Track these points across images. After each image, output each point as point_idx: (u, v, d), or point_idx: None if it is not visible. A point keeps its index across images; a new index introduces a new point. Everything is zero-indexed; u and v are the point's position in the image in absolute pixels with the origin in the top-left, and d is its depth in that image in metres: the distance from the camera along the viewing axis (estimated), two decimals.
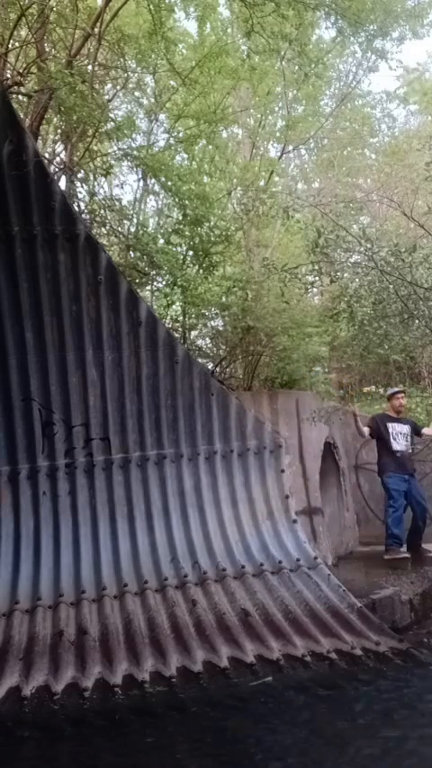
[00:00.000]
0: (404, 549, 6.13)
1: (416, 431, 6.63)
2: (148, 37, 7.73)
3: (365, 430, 6.51)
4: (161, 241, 8.08)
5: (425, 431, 6.72)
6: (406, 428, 6.50)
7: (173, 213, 9.21)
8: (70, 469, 5.36)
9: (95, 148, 7.88)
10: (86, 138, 7.44)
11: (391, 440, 6.37)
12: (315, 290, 11.81)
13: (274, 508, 5.47)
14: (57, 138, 8.81)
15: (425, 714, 3.59)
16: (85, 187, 7.95)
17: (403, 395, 6.74)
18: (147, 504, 5.39)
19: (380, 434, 6.48)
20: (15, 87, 6.38)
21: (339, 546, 7.06)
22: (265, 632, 4.48)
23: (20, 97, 6.77)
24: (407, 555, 6.01)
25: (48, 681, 4.05)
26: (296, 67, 9.41)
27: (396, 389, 6.83)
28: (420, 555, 6.25)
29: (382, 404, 10.02)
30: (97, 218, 7.86)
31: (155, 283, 8.43)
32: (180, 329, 8.14)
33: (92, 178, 8.28)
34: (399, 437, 6.40)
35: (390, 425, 6.46)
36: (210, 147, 9.86)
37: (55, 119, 7.70)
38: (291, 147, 11.41)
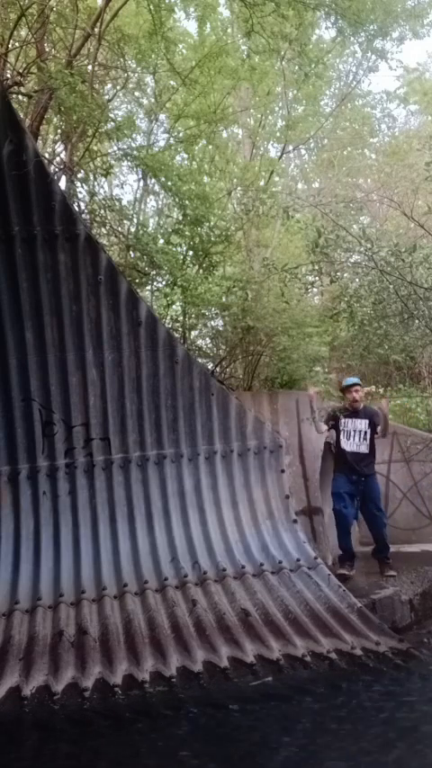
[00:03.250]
0: (351, 565, 5.55)
1: (377, 424, 5.81)
2: (148, 37, 7.73)
3: (323, 427, 5.88)
4: (161, 241, 8.09)
5: (380, 432, 5.84)
6: (362, 424, 5.76)
7: (173, 213, 9.22)
8: (70, 469, 5.36)
9: (95, 148, 7.88)
10: (86, 138, 7.44)
11: (342, 437, 5.78)
12: (315, 290, 11.82)
13: (274, 508, 5.47)
14: (57, 138, 8.82)
15: (425, 714, 3.59)
16: (85, 187, 7.96)
17: (359, 388, 5.90)
18: (147, 504, 5.38)
19: (335, 428, 5.88)
20: (15, 87, 6.38)
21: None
22: (265, 632, 4.47)
23: (20, 97, 6.78)
24: (349, 574, 5.44)
25: (48, 681, 4.05)
26: (296, 67, 9.43)
27: (350, 381, 6.03)
28: (381, 570, 5.63)
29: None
30: (97, 218, 7.87)
31: (155, 283, 8.43)
32: (180, 329, 8.14)
33: (92, 178, 8.29)
34: (353, 435, 5.75)
35: (343, 421, 5.81)
36: (210, 147, 9.87)
37: (55, 119, 7.71)
38: (291, 147, 11.43)
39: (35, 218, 5.12)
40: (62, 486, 5.32)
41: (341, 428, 5.78)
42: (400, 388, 10.96)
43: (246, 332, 7.53)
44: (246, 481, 5.65)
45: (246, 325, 7.35)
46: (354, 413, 5.79)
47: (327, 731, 3.40)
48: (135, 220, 8.98)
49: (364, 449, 5.73)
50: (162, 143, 9.43)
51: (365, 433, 5.73)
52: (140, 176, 9.51)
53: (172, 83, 9.05)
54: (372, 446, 5.77)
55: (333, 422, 5.86)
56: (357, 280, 6.21)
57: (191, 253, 8.15)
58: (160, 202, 10.58)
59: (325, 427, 5.88)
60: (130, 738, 3.44)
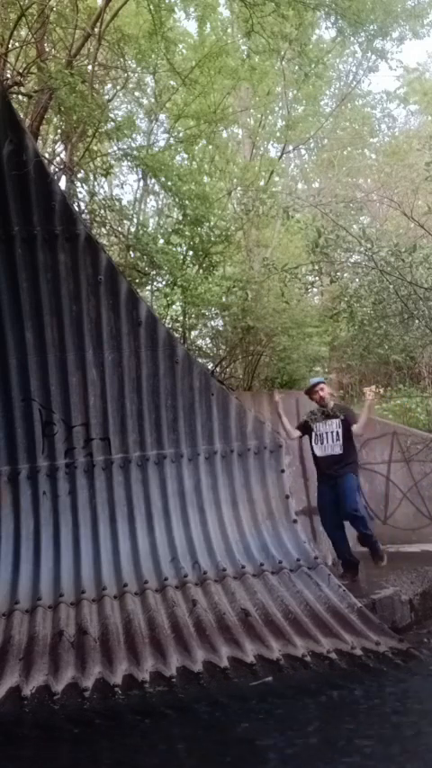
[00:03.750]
0: (354, 574, 5.45)
1: (350, 422, 5.48)
2: (148, 37, 7.74)
3: (294, 433, 5.62)
4: (161, 241, 8.10)
5: (355, 428, 5.53)
6: (334, 425, 5.44)
7: (173, 213, 9.23)
8: (70, 469, 5.35)
9: (95, 148, 7.89)
10: (86, 138, 7.45)
11: (313, 443, 5.53)
12: (315, 290, 11.82)
13: (274, 508, 5.46)
14: (57, 138, 8.82)
15: (425, 714, 3.59)
16: (85, 187, 7.97)
17: (324, 386, 5.57)
18: (147, 504, 5.38)
19: (308, 434, 5.64)
20: (15, 87, 6.38)
21: None
22: (265, 632, 4.47)
23: (20, 97, 6.78)
24: (352, 580, 5.36)
25: (48, 681, 4.04)
26: (296, 67, 9.43)
27: (313, 381, 5.73)
28: (377, 560, 5.45)
29: (382, 404, 10.04)
30: (97, 218, 7.88)
31: (155, 283, 8.44)
32: (180, 329, 8.15)
33: (92, 178, 8.30)
34: (325, 438, 5.45)
35: (314, 426, 5.54)
36: (210, 147, 9.88)
37: (55, 119, 7.71)
38: (291, 147, 11.44)
39: (35, 218, 5.12)
40: (62, 486, 5.31)
41: (314, 432, 5.52)
42: (400, 388, 10.97)
43: (246, 332, 7.54)
44: (246, 481, 5.64)
45: (246, 325, 7.36)
46: (324, 415, 5.49)
47: (327, 731, 3.40)
48: (135, 220, 8.99)
49: (337, 450, 5.40)
50: (162, 143, 9.45)
51: (337, 433, 5.41)
52: (140, 176, 9.53)
53: (172, 83, 9.06)
54: (347, 446, 5.43)
55: (304, 429, 5.60)
56: (357, 280, 6.21)
57: (191, 253, 8.17)
58: (160, 202, 10.60)
59: (297, 433, 5.62)
60: (130, 738, 3.44)
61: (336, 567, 5.73)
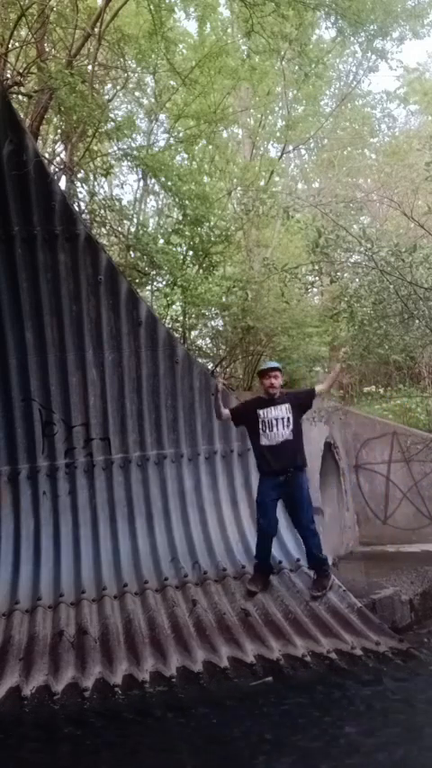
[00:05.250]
0: (262, 582, 4.81)
1: (302, 402, 4.94)
2: (148, 37, 7.74)
3: (224, 411, 4.92)
4: (161, 241, 8.10)
5: (319, 387, 5.13)
6: (283, 410, 4.82)
7: (173, 213, 9.23)
8: (70, 469, 5.36)
9: (95, 148, 7.89)
10: (86, 138, 7.45)
11: (260, 430, 4.81)
12: (315, 290, 11.81)
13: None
14: (57, 138, 8.82)
15: (425, 714, 3.59)
16: (85, 187, 7.97)
17: (277, 374, 4.96)
18: (147, 504, 5.38)
19: (247, 423, 4.96)
20: (15, 87, 6.38)
21: (339, 546, 7.06)
22: (265, 632, 4.47)
23: (20, 97, 6.78)
24: (255, 590, 4.76)
25: (48, 681, 4.05)
26: (296, 67, 9.43)
27: (267, 365, 5.14)
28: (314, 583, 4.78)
29: (382, 404, 10.04)
30: (97, 218, 7.88)
31: (155, 283, 8.44)
32: (180, 329, 8.15)
33: (92, 178, 8.30)
34: (273, 425, 4.79)
35: (260, 411, 4.85)
36: (210, 147, 9.88)
37: (55, 119, 7.71)
38: (291, 147, 11.43)
39: (35, 218, 5.12)
40: (62, 486, 5.32)
41: (259, 420, 4.83)
42: (400, 388, 10.97)
43: (246, 332, 7.55)
44: (246, 481, 5.65)
45: (246, 325, 7.36)
46: (272, 400, 4.87)
47: (327, 731, 3.40)
48: (135, 220, 9.00)
49: (287, 434, 4.77)
50: (162, 143, 9.45)
51: (287, 419, 4.80)
52: (140, 176, 9.53)
53: (172, 83, 9.06)
54: (297, 433, 4.83)
55: (243, 416, 4.98)
56: (357, 280, 6.20)
57: (191, 253, 8.17)
58: (160, 202, 10.60)
59: (226, 412, 4.94)
60: (130, 738, 3.44)
61: (336, 566, 5.72)
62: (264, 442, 4.80)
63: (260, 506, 4.86)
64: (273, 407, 4.83)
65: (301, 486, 4.77)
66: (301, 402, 4.93)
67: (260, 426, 4.82)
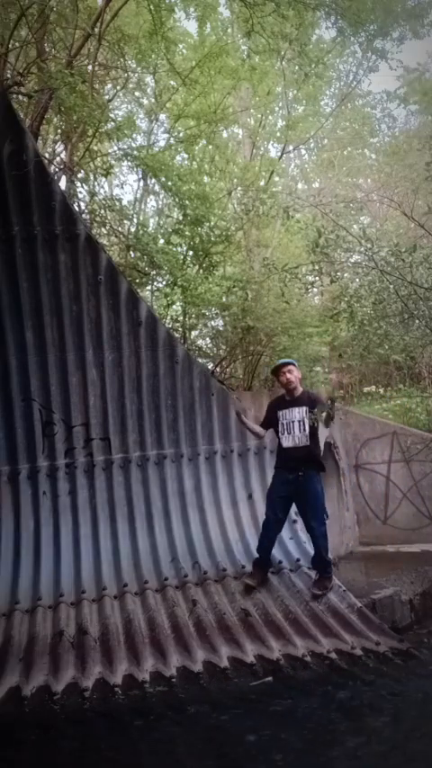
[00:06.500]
0: (259, 577, 4.83)
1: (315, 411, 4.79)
2: (148, 37, 7.74)
3: (259, 430, 5.01)
4: (161, 241, 8.10)
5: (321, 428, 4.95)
6: (300, 413, 4.79)
7: (173, 213, 9.22)
8: (70, 469, 5.36)
9: (95, 148, 7.90)
10: (86, 138, 7.45)
11: (281, 432, 4.87)
12: (315, 290, 11.82)
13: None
14: (57, 138, 8.82)
15: (425, 714, 3.59)
16: (85, 187, 7.97)
17: (293, 368, 4.92)
18: (147, 504, 5.39)
19: (271, 424, 4.99)
20: (15, 87, 6.38)
21: (339, 546, 7.06)
22: (265, 632, 4.47)
23: (20, 97, 6.77)
24: (252, 584, 4.77)
25: (48, 681, 4.05)
26: (296, 67, 9.43)
27: (281, 361, 5.11)
28: (316, 584, 4.78)
29: (382, 404, 10.04)
30: (97, 218, 7.88)
31: (155, 283, 8.44)
32: (180, 329, 8.15)
33: (92, 178, 8.30)
34: (292, 427, 4.80)
35: (280, 413, 4.89)
36: (210, 147, 9.87)
37: (55, 119, 7.71)
38: (291, 147, 11.43)
39: (35, 218, 5.12)
40: (62, 486, 5.32)
41: (279, 421, 4.87)
42: (400, 388, 10.98)
43: (246, 332, 7.54)
44: (246, 481, 5.65)
45: (246, 325, 7.36)
46: (292, 401, 4.88)
47: (327, 731, 3.40)
48: (135, 220, 9.00)
49: (304, 441, 4.76)
50: (162, 143, 9.46)
51: (304, 422, 4.77)
52: (140, 176, 9.54)
53: (172, 83, 9.06)
54: (313, 437, 4.80)
55: (269, 420, 4.99)
56: (357, 280, 6.20)
57: (191, 253, 8.16)
58: (160, 202, 10.60)
59: (262, 430, 5.02)
60: (130, 738, 3.44)
61: (336, 566, 5.72)
62: (284, 443, 4.84)
63: (268, 499, 4.89)
64: (291, 409, 4.84)
65: (314, 488, 4.74)
66: (314, 409, 4.79)
67: (280, 428, 4.86)
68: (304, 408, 4.80)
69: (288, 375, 4.86)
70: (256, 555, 4.95)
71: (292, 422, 4.81)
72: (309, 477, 4.74)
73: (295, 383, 4.88)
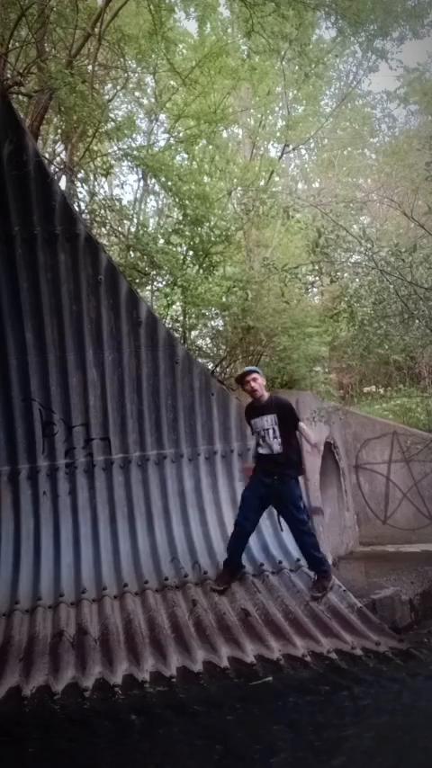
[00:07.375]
0: (225, 581, 4.78)
1: (287, 416, 4.79)
2: (148, 37, 7.74)
3: (251, 462, 5.07)
4: (161, 241, 8.09)
5: (304, 429, 4.90)
6: (269, 421, 4.77)
7: (173, 213, 9.23)
8: (70, 469, 5.36)
9: (95, 148, 7.90)
10: (86, 138, 7.46)
11: (256, 441, 4.93)
12: (315, 290, 11.83)
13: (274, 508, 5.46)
14: (57, 138, 8.82)
15: (425, 714, 3.59)
16: (86, 187, 7.98)
17: (257, 376, 4.91)
18: (147, 504, 5.38)
19: (252, 432, 5.00)
20: (15, 87, 6.38)
21: (339, 546, 7.06)
22: (265, 632, 4.47)
23: (20, 97, 6.78)
24: (218, 588, 4.75)
25: (48, 681, 4.05)
26: (296, 67, 9.43)
27: (245, 369, 5.11)
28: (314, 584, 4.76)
29: (382, 404, 10.04)
30: (97, 218, 7.88)
31: (155, 283, 8.44)
32: (180, 329, 8.14)
33: (92, 178, 8.30)
34: (264, 435, 4.79)
35: (252, 422, 4.92)
36: (210, 147, 9.87)
37: (55, 119, 7.71)
38: (291, 147, 11.42)
39: (35, 218, 5.12)
40: (62, 486, 5.32)
41: (254, 429, 4.91)
42: (400, 388, 10.98)
43: (246, 332, 7.54)
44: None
45: (246, 325, 7.36)
46: (260, 407, 4.86)
47: (327, 731, 3.40)
48: (135, 220, 9.00)
49: (277, 448, 4.74)
50: (162, 143, 9.46)
51: (274, 430, 4.75)
52: (140, 176, 9.55)
53: (172, 83, 9.07)
54: (286, 444, 4.76)
55: (248, 423, 5.02)
56: (357, 280, 6.21)
57: (191, 253, 8.16)
58: (160, 202, 10.61)
59: (251, 461, 5.03)
60: (130, 738, 3.44)
61: (336, 566, 5.72)
62: (259, 450, 4.87)
63: (242, 500, 4.90)
64: (261, 417, 4.84)
65: (290, 489, 4.75)
66: (287, 416, 4.82)
67: (255, 436, 4.92)
68: (273, 416, 4.79)
69: (252, 383, 4.85)
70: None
71: (264, 429, 4.81)
72: (284, 480, 4.74)
73: (260, 391, 4.88)
